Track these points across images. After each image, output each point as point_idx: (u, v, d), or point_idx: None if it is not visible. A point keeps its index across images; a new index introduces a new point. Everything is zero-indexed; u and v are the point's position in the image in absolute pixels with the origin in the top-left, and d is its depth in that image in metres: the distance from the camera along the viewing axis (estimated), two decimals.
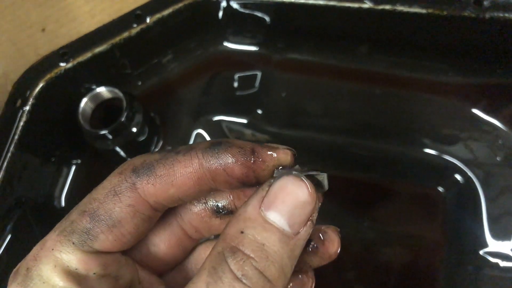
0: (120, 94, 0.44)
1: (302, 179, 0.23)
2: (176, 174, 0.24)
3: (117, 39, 0.47)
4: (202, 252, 0.30)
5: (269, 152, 0.24)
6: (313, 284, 0.29)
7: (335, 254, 0.27)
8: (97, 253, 0.24)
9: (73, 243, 0.23)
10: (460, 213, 0.47)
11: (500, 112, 0.47)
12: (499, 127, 0.47)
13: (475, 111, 0.48)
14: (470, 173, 0.47)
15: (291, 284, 0.28)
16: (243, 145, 0.24)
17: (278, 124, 0.50)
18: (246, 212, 0.23)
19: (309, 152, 0.50)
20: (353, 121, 0.49)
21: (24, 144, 0.45)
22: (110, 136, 0.44)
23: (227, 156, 0.24)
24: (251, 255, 0.22)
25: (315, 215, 0.23)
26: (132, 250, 0.27)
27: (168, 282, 0.29)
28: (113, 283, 0.25)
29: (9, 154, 0.44)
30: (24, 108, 0.45)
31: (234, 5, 0.48)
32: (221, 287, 0.21)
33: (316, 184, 0.24)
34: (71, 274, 0.23)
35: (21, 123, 0.45)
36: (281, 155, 0.24)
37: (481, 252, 0.44)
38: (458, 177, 0.47)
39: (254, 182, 0.25)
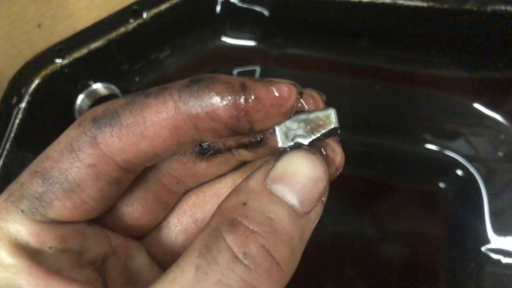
0: (117, 91, 0.44)
1: (314, 154, 0.20)
2: (146, 122, 0.19)
3: (113, 34, 0.46)
4: (189, 203, 0.25)
5: (264, 88, 0.19)
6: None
7: (340, 166, 0.23)
8: (53, 223, 0.20)
9: (22, 211, 0.19)
10: (462, 209, 0.46)
11: (502, 106, 0.46)
12: (501, 122, 0.46)
13: (477, 105, 0.47)
14: (471, 169, 0.46)
15: None
16: (230, 79, 0.19)
17: None
18: (248, 185, 0.19)
19: None
20: (353, 116, 0.48)
21: (21, 141, 0.44)
22: None
23: (210, 94, 0.19)
24: (257, 229, 0.17)
25: (325, 195, 0.20)
26: (104, 213, 0.22)
27: (150, 245, 0.25)
28: (77, 258, 0.21)
29: (5, 152, 0.43)
30: (20, 105, 0.45)
31: (230, 1, 0.47)
32: (215, 271, 0.17)
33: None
34: (22, 249, 0.19)
35: (17, 121, 0.44)
36: (282, 92, 0.19)
37: (483, 249, 0.44)
38: (459, 172, 0.47)
39: (248, 129, 0.20)
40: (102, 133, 0.19)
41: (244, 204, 0.18)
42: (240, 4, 0.48)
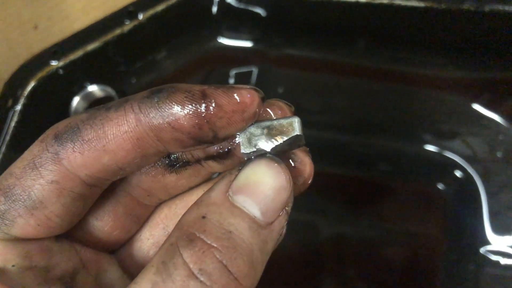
0: (113, 93, 0.44)
1: (277, 162, 0.19)
2: (108, 136, 0.19)
3: (109, 36, 0.46)
4: (161, 216, 0.24)
5: (225, 94, 0.18)
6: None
7: (308, 178, 0.22)
8: (17, 240, 0.19)
9: None
10: (460, 210, 0.46)
11: (501, 107, 0.46)
12: (500, 122, 0.46)
13: (475, 106, 0.47)
14: (470, 169, 0.46)
15: None
16: (190, 88, 0.19)
17: None
18: (209, 197, 0.19)
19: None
20: (352, 117, 0.48)
21: (17, 144, 0.44)
22: None
23: (171, 104, 0.18)
24: (214, 244, 0.17)
25: (290, 205, 0.19)
26: (72, 228, 0.22)
27: (122, 258, 0.24)
28: (43, 275, 0.20)
29: (0, 156, 0.43)
30: (16, 108, 0.44)
31: (228, 0, 0.47)
32: (169, 285, 0.16)
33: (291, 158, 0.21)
34: None
35: (13, 123, 0.44)
36: (244, 97, 0.19)
37: (481, 250, 0.44)
38: (458, 173, 0.46)
39: (211, 137, 0.19)
40: (64, 149, 0.19)
41: (203, 217, 0.18)
42: (236, 5, 0.48)
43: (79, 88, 0.45)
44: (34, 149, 0.20)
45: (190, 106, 0.18)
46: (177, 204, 0.24)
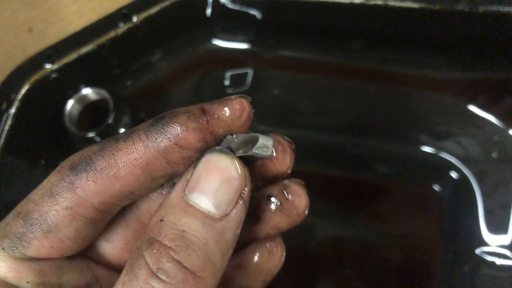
0: (107, 96, 0.43)
1: (225, 153, 0.20)
2: (118, 164, 0.21)
3: (103, 39, 0.45)
4: None
5: (222, 106, 0.21)
6: (283, 252, 0.26)
7: (304, 210, 0.24)
8: (31, 260, 0.22)
9: (3, 249, 0.21)
10: (456, 211, 0.46)
11: (496, 107, 0.46)
12: (495, 123, 0.46)
13: (471, 107, 0.47)
14: (465, 170, 0.46)
15: (257, 255, 0.25)
16: (189, 109, 0.21)
17: (271, 123, 0.49)
18: (168, 199, 0.20)
19: (302, 151, 0.49)
20: (347, 119, 0.48)
21: (11, 148, 0.44)
22: (97, 139, 0.43)
23: (175, 126, 0.20)
24: (169, 244, 0.19)
25: (246, 193, 0.20)
26: (86, 248, 0.24)
27: None
28: None
29: None
30: (10, 111, 0.44)
31: (223, 2, 0.47)
32: (135, 286, 0.18)
33: (251, 156, 0.21)
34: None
35: (7, 127, 0.44)
36: (238, 105, 0.21)
37: (477, 251, 0.44)
38: (453, 174, 0.46)
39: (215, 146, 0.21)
40: (78, 179, 0.21)
41: (161, 220, 0.20)
42: (231, 7, 0.48)
43: (73, 91, 0.45)
44: (52, 178, 0.22)
45: (193, 124, 0.20)
46: None
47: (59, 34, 0.61)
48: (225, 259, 0.20)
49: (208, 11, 0.49)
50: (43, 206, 0.21)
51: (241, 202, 0.20)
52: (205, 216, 0.20)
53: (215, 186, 0.20)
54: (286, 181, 0.24)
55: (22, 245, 0.21)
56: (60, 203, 0.21)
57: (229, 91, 0.50)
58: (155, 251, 0.19)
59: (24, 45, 0.64)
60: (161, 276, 0.18)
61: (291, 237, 0.46)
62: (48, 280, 0.22)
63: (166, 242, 0.19)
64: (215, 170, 0.20)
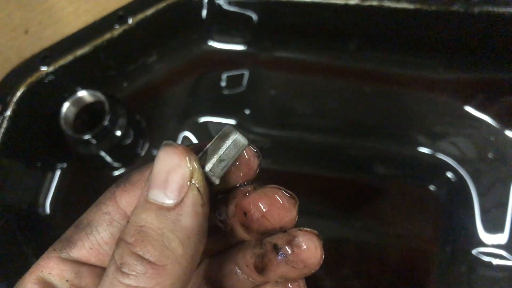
0: (103, 98, 0.43)
1: (168, 144, 0.21)
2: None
3: (99, 41, 0.45)
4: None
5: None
6: None
7: (313, 262, 0.24)
8: (74, 261, 0.24)
9: (54, 250, 0.24)
10: (453, 211, 0.46)
11: (492, 108, 0.46)
12: (491, 123, 0.46)
13: (467, 107, 0.47)
14: (461, 171, 0.46)
15: None
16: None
17: (267, 124, 0.49)
18: (136, 204, 0.22)
19: (299, 153, 0.49)
20: (343, 120, 0.48)
21: (7, 150, 0.44)
22: (93, 141, 0.43)
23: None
24: (130, 240, 0.21)
25: (197, 179, 0.21)
26: None
27: None
28: None
29: None
30: (5, 114, 0.44)
31: (218, 3, 0.47)
32: (106, 281, 0.20)
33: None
34: (43, 281, 0.23)
35: (2, 129, 0.44)
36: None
37: (474, 251, 0.44)
38: (450, 175, 0.46)
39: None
40: (118, 189, 0.24)
41: (128, 222, 0.22)
42: (227, 8, 0.48)
43: (69, 93, 0.45)
44: (103, 194, 0.25)
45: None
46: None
47: (55, 36, 0.61)
48: (188, 245, 0.21)
49: (204, 13, 0.49)
50: (90, 214, 0.24)
51: (193, 187, 0.21)
52: (159, 208, 0.21)
53: (163, 177, 0.21)
54: (295, 230, 0.24)
55: (69, 246, 0.24)
56: (101, 209, 0.24)
57: (225, 92, 0.50)
58: (119, 249, 0.21)
59: (20, 47, 0.64)
60: (124, 270, 0.20)
61: None
62: (85, 284, 0.24)
63: (128, 239, 0.21)
64: (159, 161, 0.21)
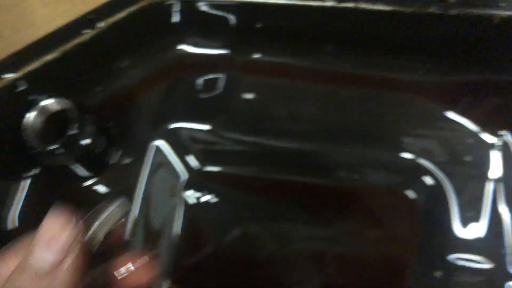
0: (70, 105, 0.42)
1: (54, 212, 0.24)
2: None
3: (67, 46, 0.44)
4: None
5: None
6: None
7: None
8: None
9: None
10: (429, 216, 0.45)
11: (470, 111, 0.45)
12: (469, 126, 0.45)
13: (446, 110, 0.47)
14: (439, 175, 0.45)
15: None
16: None
17: (243, 130, 0.48)
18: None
19: (275, 159, 0.48)
20: (320, 124, 0.47)
21: None
22: (60, 151, 0.42)
23: None
24: None
25: (75, 245, 0.23)
26: None
27: None
28: None
29: None
30: None
31: (194, 6, 0.46)
32: None
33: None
34: None
35: None
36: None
37: (450, 257, 0.43)
38: (428, 179, 0.46)
39: None
40: (7, 250, 0.26)
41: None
42: (202, 10, 0.47)
43: (36, 101, 0.43)
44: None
45: None
46: None
47: (29, 40, 0.59)
48: None
49: (178, 16, 0.47)
50: None
51: (71, 253, 0.23)
52: (35, 272, 0.22)
53: (44, 243, 0.23)
54: (125, 256, 0.28)
55: None
56: None
57: (200, 97, 0.48)
58: None
59: None
60: None
61: (264, 244, 0.45)
62: None
63: None
64: (45, 228, 0.24)
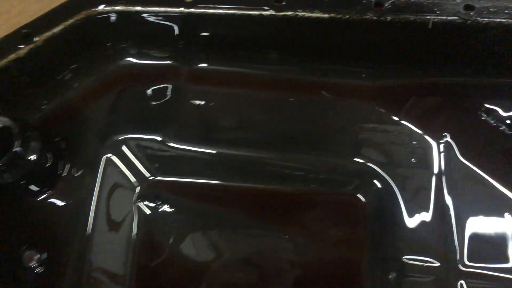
0: (9, 123, 0.41)
1: None
2: None
3: (4, 61, 0.43)
4: None
5: None
6: None
7: None
8: None
9: None
10: (381, 218, 0.46)
11: (413, 114, 0.46)
12: (413, 129, 0.46)
13: (390, 114, 0.47)
14: (387, 177, 0.46)
15: None
16: None
17: (192, 140, 0.48)
18: None
19: (227, 167, 0.48)
20: (268, 132, 0.47)
21: None
22: (4, 169, 0.41)
23: None
24: None
25: None
26: None
27: None
28: None
29: None
30: None
31: (131, 18, 0.45)
32: None
33: None
34: None
35: None
36: None
37: (403, 258, 0.44)
38: (376, 182, 0.46)
39: None
40: None
41: None
42: (144, 22, 0.46)
43: None
44: None
45: None
46: None
47: None
48: None
49: (117, 27, 0.47)
50: None
51: None
52: None
53: None
54: None
55: None
56: None
57: (147, 109, 0.48)
58: None
59: None
60: None
61: (219, 252, 0.46)
62: None
63: None
64: None
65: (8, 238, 0.43)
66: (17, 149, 0.41)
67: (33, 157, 0.43)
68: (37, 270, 0.44)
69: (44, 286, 0.42)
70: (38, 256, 0.44)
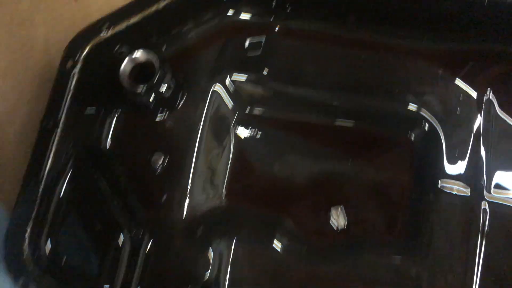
0: (155, 57, 0.55)
1: None
2: None
3: (146, 12, 0.57)
4: None
5: None
6: None
7: None
8: None
9: None
10: (425, 155, 0.58)
11: (460, 72, 0.57)
12: (459, 85, 0.57)
13: (445, 73, 0.58)
14: (435, 124, 0.58)
15: None
16: None
17: (282, 82, 0.60)
18: None
19: (307, 106, 0.61)
20: (340, 79, 0.59)
21: (77, 98, 0.56)
22: (145, 93, 0.55)
23: None
24: None
25: None
26: None
27: None
28: None
29: (66, 106, 0.56)
30: (75, 70, 0.56)
31: None
32: None
33: None
34: None
35: (73, 82, 0.56)
36: None
37: (439, 184, 0.56)
38: (426, 126, 0.58)
39: None
40: None
41: None
42: None
43: (126, 53, 0.56)
44: None
45: None
46: None
47: (101, 3, 0.72)
48: None
49: None
50: None
51: None
52: None
53: None
54: None
55: None
56: None
57: (247, 55, 0.61)
58: None
59: (71, 11, 0.75)
60: None
61: (298, 174, 0.59)
62: None
63: None
64: None
65: (142, 145, 0.58)
66: (157, 78, 0.55)
67: (165, 86, 0.57)
68: (160, 169, 0.58)
69: (168, 180, 0.57)
70: (162, 158, 0.58)
